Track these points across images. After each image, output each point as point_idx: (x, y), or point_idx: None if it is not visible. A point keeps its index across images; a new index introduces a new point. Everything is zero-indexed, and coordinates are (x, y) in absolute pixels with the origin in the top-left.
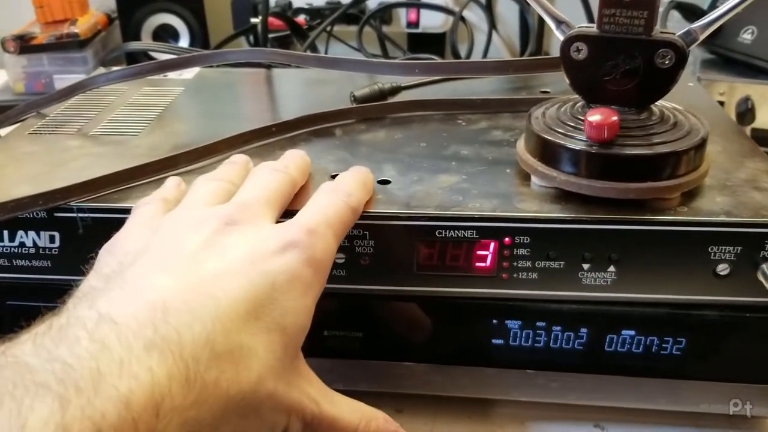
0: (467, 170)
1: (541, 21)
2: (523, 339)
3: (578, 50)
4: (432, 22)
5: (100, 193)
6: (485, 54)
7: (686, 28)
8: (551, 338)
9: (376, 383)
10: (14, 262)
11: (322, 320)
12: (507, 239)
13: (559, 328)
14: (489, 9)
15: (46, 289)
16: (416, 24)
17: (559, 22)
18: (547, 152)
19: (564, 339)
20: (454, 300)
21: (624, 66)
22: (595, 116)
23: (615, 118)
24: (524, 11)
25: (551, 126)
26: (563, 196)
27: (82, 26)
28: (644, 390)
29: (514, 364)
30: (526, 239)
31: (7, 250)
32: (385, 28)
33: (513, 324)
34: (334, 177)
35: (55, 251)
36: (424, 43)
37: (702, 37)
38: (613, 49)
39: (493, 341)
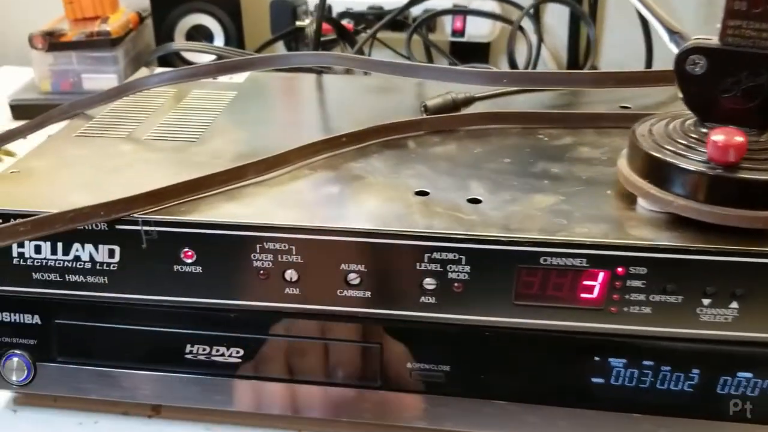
0: (563, 190)
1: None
2: (626, 379)
3: (695, 63)
4: (478, 31)
5: (164, 204)
6: (535, 65)
7: None
8: (658, 379)
9: (463, 422)
10: (67, 278)
11: (406, 352)
12: (620, 269)
13: (668, 368)
14: (537, 19)
15: (99, 308)
16: (462, 32)
17: (673, 32)
18: (660, 173)
19: (673, 380)
20: (554, 334)
21: (747, 83)
22: (719, 136)
23: (741, 138)
24: (585, 22)
25: (662, 144)
26: (677, 222)
27: (113, 24)
28: None
29: (616, 406)
30: (643, 270)
31: (59, 264)
32: (430, 36)
33: (617, 362)
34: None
35: (113, 267)
36: (467, 52)
37: None
38: (736, 64)
39: (593, 380)
